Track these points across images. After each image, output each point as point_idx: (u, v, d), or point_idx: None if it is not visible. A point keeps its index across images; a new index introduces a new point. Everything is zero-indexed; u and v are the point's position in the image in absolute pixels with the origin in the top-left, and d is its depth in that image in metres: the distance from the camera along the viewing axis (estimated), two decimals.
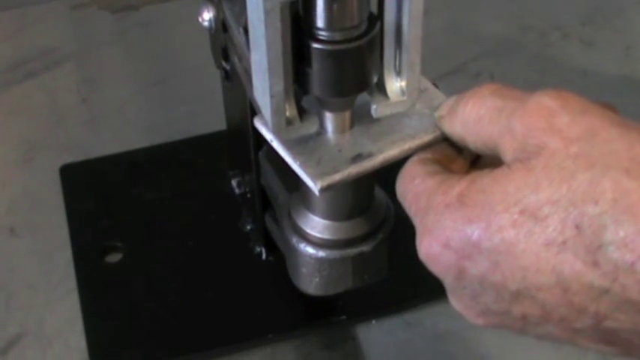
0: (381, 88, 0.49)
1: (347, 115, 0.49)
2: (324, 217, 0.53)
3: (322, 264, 0.54)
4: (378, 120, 0.49)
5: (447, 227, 0.41)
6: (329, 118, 0.48)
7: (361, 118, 0.49)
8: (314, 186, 0.46)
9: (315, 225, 0.54)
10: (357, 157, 0.47)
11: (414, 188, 0.45)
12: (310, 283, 0.55)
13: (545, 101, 0.41)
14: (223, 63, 0.58)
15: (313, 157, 0.47)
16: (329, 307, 0.64)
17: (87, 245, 0.67)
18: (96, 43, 0.87)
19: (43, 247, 0.69)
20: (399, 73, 0.48)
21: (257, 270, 0.66)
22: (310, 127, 0.48)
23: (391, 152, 0.48)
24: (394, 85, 0.49)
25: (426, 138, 0.48)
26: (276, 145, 0.48)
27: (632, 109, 0.79)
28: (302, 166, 0.47)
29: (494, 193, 0.40)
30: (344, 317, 0.63)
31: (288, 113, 0.46)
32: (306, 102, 0.48)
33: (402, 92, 0.49)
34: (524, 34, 0.87)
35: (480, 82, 0.82)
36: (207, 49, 0.61)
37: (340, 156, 0.47)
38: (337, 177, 0.47)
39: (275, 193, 0.59)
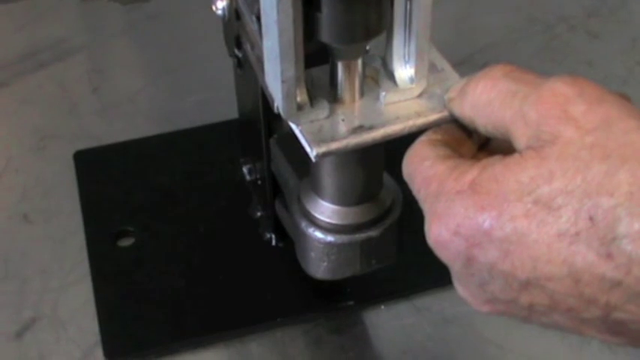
0: (390, 75, 0.50)
1: (357, 79, 0.49)
2: (333, 202, 0.54)
3: (331, 248, 0.55)
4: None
5: (457, 214, 0.41)
6: (339, 70, 0.48)
7: (371, 90, 0.49)
8: (310, 152, 0.46)
9: (324, 210, 0.54)
10: (358, 129, 0.47)
11: (424, 171, 0.44)
12: (319, 268, 0.56)
13: (560, 88, 0.40)
14: (236, 51, 0.59)
15: (315, 124, 0.47)
16: (338, 293, 0.64)
17: (100, 229, 0.68)
18: (106, 34, 0.88)
19: (56, 233, 0.70)
20: (408, 61, 0.49)
21: (267, 256, 0.67)
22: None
23: (393, 127, 0.47)
24: (403, 73, 0.49)
25: (432, 117, 0.47)
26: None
27: (637, 100, 0.81)
28: (302, 131, 0.47)
29: (508, 182, 0.39)
30: (352, 302, 0.64)
31: (299, 98, 0.47)
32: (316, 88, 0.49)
33: (411, 80, 0.49)
34: (531, 25, 0.88)
35: None
36: (217, 39, 0.62)
37: (342, 126, 0.47)
38: (334, 146, 0.46)
39: (285, 179, 0.60)
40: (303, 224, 0.55)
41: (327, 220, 0.54)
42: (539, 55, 0.84)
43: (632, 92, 0.80)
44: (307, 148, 0.47)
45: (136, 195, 0.71)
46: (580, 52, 0.85)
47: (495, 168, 0.40)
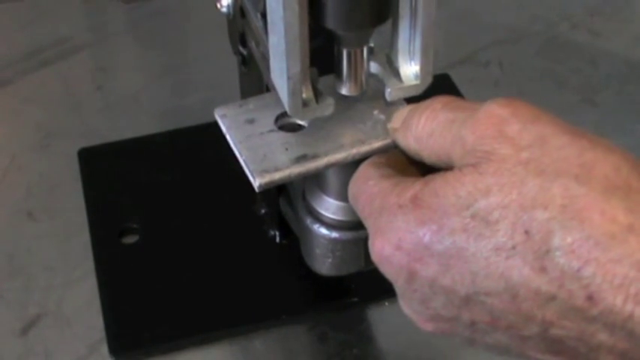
0: (395, 72, 0.50)
1: (362, 68, 0.49)
2: (338, 199, 0.54)
3: (335, 245, 0.55)
4: (333, 121, 0.50)
5: (399, 228, 0.42)
6: (344, 59, 0.49)
7: (317, 118, 0.50)
8: (253, 182, 0.48)
9: (329, 206, 0.54)
10: (302, 158, 0.48)
11: (368, 189, 0.45)
12: (323, 264, 0.56)
13: (495, 110, 0.41)
14: (241, 48, 0.59)
15: (259, 153, 0.48)
16: (342, 289, 0.64)
17: (104, 227, 0.68)
18: (110, 32, 0.88)
19: (60, 230, 0.70)
20: (413, 58, 0.50)
21: (271, 253, 0.67)
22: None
23: (337, 156, 0.49)
24: (408, 69, 0.50)
25: (375, 145, 0.49)
26: (228, 137, 0.50)
27: (639, 98, 0.81)
28: (246, 161, 0.48)
29: (447, 196, 0.40)
30: (357, 299, 0.64)
31: (304, 95, 0.48)
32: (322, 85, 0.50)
33: (416, 76, 0.50)
34: (533, 24, 0.88)
35: (490, 71, 0.83)
36: (221, 37, 0.62)
37: (285, 155, 0.48)
38: (277, 176, 0.48)
39: None
40: (308, 220, 0.55)
41: (332, 216, 0.54)
42: (541, 53, 0.85)
43: (635, 91, 0.80)
44: (250, 178, 0.48)
45: (141, 192, 0.71)
46: (583, 51, 0.85)
47: (436, 183, 0.41)
